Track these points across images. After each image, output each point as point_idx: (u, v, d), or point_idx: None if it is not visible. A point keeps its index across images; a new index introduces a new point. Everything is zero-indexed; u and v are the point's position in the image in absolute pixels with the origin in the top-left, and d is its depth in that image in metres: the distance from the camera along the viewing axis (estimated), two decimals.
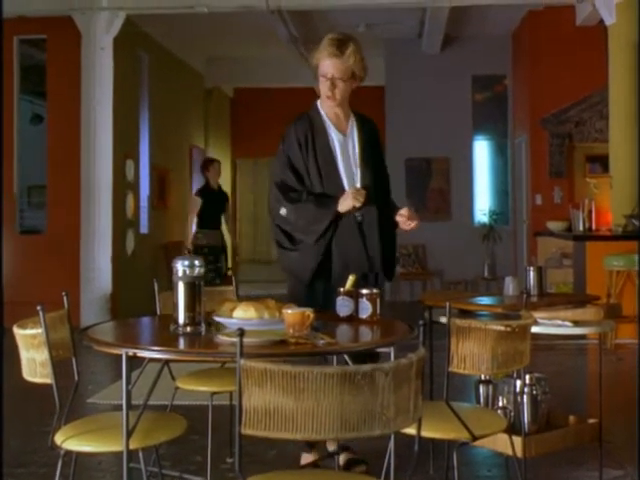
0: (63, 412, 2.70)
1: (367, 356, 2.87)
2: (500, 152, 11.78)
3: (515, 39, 11.05)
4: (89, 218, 8.45)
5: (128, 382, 2.56)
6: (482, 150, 11.84)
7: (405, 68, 11.64)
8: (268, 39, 11.07)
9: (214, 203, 9.24)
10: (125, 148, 9.44)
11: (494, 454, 3.81)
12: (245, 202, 15.70)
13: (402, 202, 11.60)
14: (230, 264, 10.22)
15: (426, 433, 2.77)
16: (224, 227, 9.56)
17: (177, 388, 3.62)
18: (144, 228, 10.44)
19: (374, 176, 3.75)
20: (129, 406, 2.56)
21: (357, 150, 3.72)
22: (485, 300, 4.11)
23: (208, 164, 9.48)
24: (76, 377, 2.94)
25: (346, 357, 2.78)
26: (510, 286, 3.94)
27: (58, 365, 2.85)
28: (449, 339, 2.72)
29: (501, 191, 11.71)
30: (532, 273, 3.90)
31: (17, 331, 2.74)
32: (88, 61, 8.34)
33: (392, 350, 2.58)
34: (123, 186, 9.45)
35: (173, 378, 3.63)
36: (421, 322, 2.24)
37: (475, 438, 2.76)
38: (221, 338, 2.58)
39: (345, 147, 3.73)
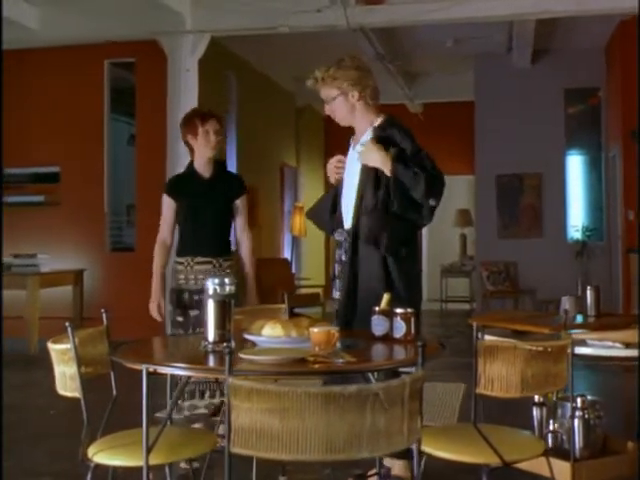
0: (99, 426, 2.77)
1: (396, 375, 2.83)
2: (594, 166, 11.43)
3: (609, 50, 10.73)
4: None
5: (148, 397, 2.59)
6: (575, 165, 11.52)
7: (495, 83, 11.46)
8: None
9: (202, 203, 4.47)
10: None
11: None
12: None
13: (493, 221, 11.35)
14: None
15: (454, 456, 2.71)
16: (244, 252, 4.66)
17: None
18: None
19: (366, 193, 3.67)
20: (149, 422, 2.59)
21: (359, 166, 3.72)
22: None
23: (187, 122, 4.56)
24: (114, 392, 3.02)
25: (370, 376, 2.75)
26: (567, 305, 3.82)
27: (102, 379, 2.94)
28: (476, 359, 2.65)
29: (595, 206, 11.36)
30: (589, 293, 3.77)
31: (50, 346, 2.82)
32: (174, 83, 8.54)
33: (414, 370, 2.53)
34: None
35: (222, 394, 3.68)
36: (420, 344, 2.18)
37: (506, 463, 2.67)
38: (241, 356, 2.59)
39: (349, 161, 3.82)
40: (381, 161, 3.54)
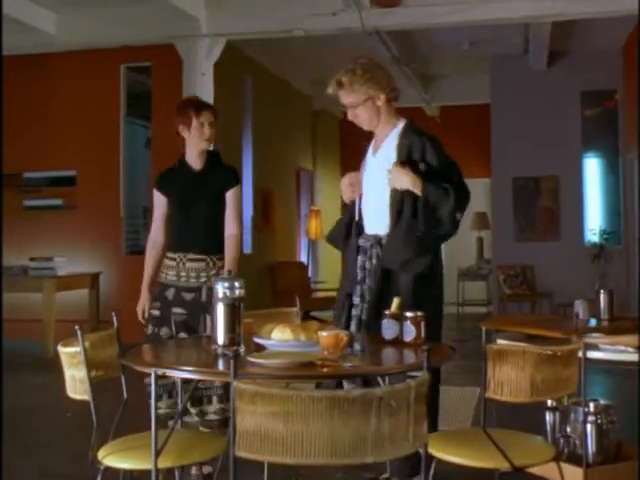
0: (110, 429, 2.78)
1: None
2: (612, 169, 11.36)
3: (626, 52, 10.67)
4: None
5: (157, 400, 2.60)
6: (593, 168, 11.45)
7: (511, 85, 11.41)
8: None
9: (192, 195, 4.19)
10: None
11: None
12: None
13: (510, 224, 11.29)
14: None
15: (464, 461, 2.70)
16: (227, 246, 4.19)
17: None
18: (247, 249, 10.61)
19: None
20: (157, 424, 2.59)
21: (384, 168, 3.67)
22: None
23: (180, 113, 4.23)
24: (125, 395, 3.03)
25: (380, 380, 2.74)
26: (580, 309, 3.79)
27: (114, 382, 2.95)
28: (485, 364, 2.64)
29: (613, 210, 11.29)
30: (602, 296, 3.74)
31: (61, 349, 2.83)
32: (189, 86, 8.55)
33: (422, 374, 2.52)
34: None
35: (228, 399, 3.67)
36: (425, 347, 2.17)
37: (515, 468, 2.65)
38: (250, 359, 2.59)
39: (371, 166, 3.80)
40: (411, 183, 3.49)
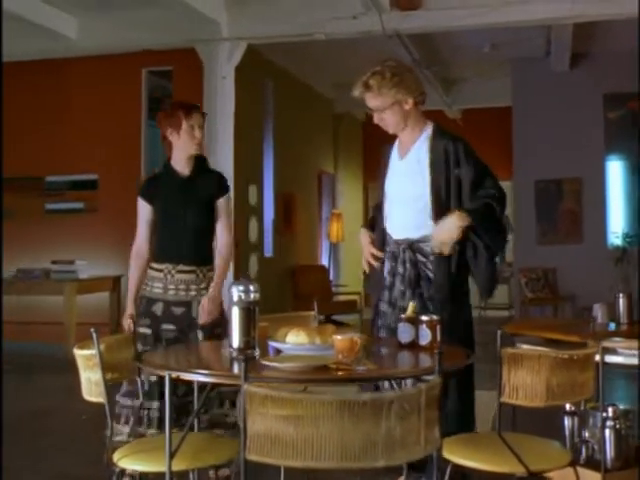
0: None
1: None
2: (635, 172, 11.26)
3: None
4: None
5: (172, 403, 2.60)
6: (615, 170, 11.36)
7: (533, 87, 11.35)
8: None
9: (179, 203, 3.97)
10: (247, 174, 9.65)
11: None
12: None
13: (531, 227, 11.17)
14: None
15: (479, 465, 2.69)
16: (217, 259, 4.00)
17: None
18: (268, 252, 10.63)
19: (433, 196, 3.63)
20: (172, 427, 2.60)
21: (415, 172, 3.66)
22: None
23: (169, 116, 3.98)
24: (140, 398, 3.05)
25: (394, 384, 2.73)
26: (599, 313, 3.76)
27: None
28: (500, 368, 2.62)
29: (636, 212, 11.18)
30: (622, 300, 3.71)
31: (76, 352, 2.85)
32: (210, 90, 8.59)
33: (433, 377, 2.51)
34: (246, 211, 9.66)
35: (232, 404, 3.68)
36: (437, 351, 2.16)
37: (531, 472, 2.63)
38: (264, 362, 2.59)
39: (399, 170, 3.77)
40: (457, 225, 3.46)
